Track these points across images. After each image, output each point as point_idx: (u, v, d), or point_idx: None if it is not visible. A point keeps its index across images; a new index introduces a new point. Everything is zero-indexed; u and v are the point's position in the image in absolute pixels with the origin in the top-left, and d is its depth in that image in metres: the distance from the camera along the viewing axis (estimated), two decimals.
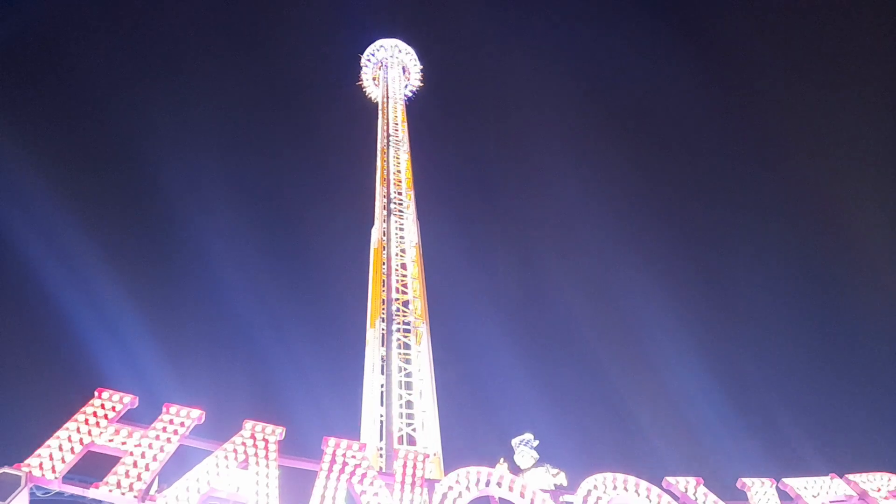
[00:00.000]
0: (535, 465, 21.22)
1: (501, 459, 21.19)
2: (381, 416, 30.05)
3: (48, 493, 14.13)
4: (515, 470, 20.73)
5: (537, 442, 21.92)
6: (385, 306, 34.03)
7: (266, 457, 15.39)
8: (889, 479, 18.30)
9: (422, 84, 50.42)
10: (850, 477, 18.35)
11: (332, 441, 16.08)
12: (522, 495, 16.33)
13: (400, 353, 32.33)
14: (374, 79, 50.61)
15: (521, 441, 21.97)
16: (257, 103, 78.05)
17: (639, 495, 16.79)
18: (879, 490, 17.98)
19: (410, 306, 34.74)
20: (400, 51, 51.05)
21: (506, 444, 22.40)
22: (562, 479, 20.52)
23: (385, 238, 37.43)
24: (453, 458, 28.20)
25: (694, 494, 17.16)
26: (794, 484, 17.98)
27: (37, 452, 14.24)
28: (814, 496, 17.79)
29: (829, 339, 54.39)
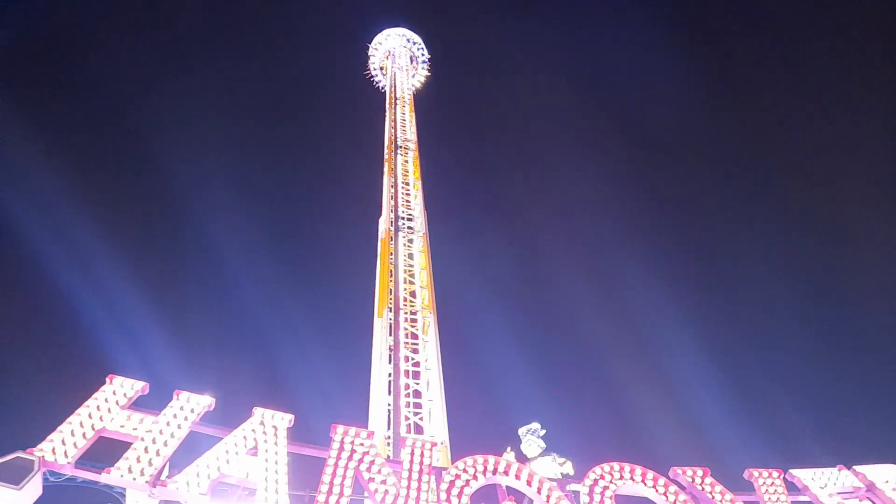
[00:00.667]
0: (542, 455, 21.21)
1: (508, 448, 21.20)
2: (389, 404, 30.20)
3: (61, 477, 14.29)
4: (522, 459, 20.73)
5: (544, 431, 21.89)
6: (392, 296, 34.11)
7: (275, 443, 15.49)
8: None
9: (429, 74, 50.23)
10: (858, 468, 18.22)
11: (340, 429, 16.15)
12: (529, 483, 16.37)
13: (407, 343, 32.43)
14: (381, 68, 50.42)
15: (528, 430, 21.95)
16: (265, 94, 77.96)
17: (646, 485, 16.79)
18: (888, 482, 17.87)
19: (418, 296, 34.80)
20: (408, 40, 50.79)
21: (512, 434, 22.41)
22: (568, 468, 20.51)
23: (392, 228, 37.44)
24: (460, 446, 28.35)
25: (701, 485, 17.14)
26: (802, 475, 17.87)
27: (49, 438, 14.35)
28: (821, 487, 17.70)
29: (837, 331, 54.20)
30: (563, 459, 20.60)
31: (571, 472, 19.70)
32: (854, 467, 18.26)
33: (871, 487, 17.84)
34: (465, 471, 16.14)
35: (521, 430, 22.13)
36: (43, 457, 13.97)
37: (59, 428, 14.58)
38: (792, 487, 17.80)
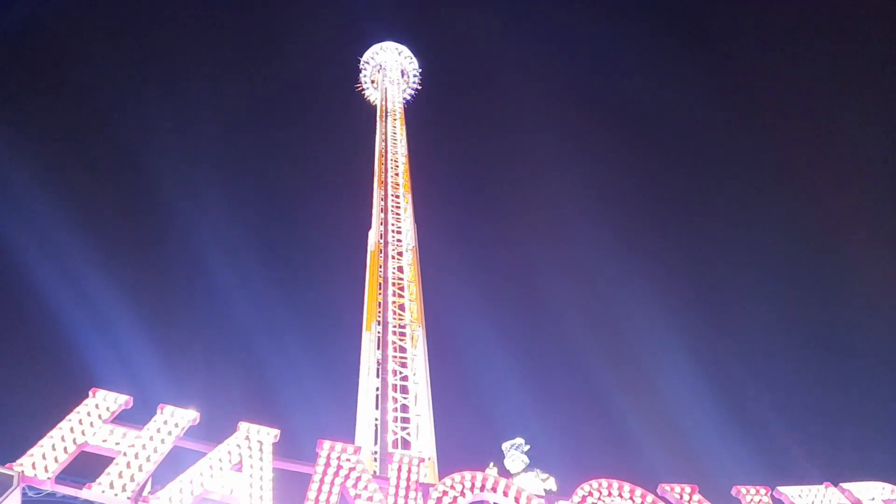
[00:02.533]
0: (525, 470, 21.05)
1: (491, 464, 21.04)
2: (376, 419, 29.99)
3: (41, 493, 14.01)
4: (505, 474, 20.55)
5: (528, 446, 21.75)
6: (381, 309, 33.98)
7: (260, 459, 15.31)
8: (883, 489, 18.26)
9: (420, 87, 50.55)
10: (845, 486, 18.30)
11: (326, 444, 16.00)
12: (518, 500, 16.30)
13: (395, 357, 32.27)
14: (372, 82, 50.65)
15: (512, 445, 21.77)
16: (255, 105, 77.98)
17: (633, 502, 16.76)
18: (874, 499, 17.94)
19: (407, 309, 34.71)
20: (399, 54, 51.11)
21: (499, 449, 22.28)
22: (551, 484, 20.31)
23: (382, 241, 37.41)
24: (448, 462, 28.16)
25: (689, 502, 17.13)
26: (789, 492, 17.93)
27: (29, 452, 14.11)
28: None
29: (826, 347, 54.47)
30: (545, 475, 20.43)
31: (554, 489, 19.53)
32: (841, 485, 18.34)
33: None
34: (452, 487, 16.03)
35: (505, 446, 21.96)
36: (22, 471, 13.73)
37: (40, 442, 14.34)
38: None
